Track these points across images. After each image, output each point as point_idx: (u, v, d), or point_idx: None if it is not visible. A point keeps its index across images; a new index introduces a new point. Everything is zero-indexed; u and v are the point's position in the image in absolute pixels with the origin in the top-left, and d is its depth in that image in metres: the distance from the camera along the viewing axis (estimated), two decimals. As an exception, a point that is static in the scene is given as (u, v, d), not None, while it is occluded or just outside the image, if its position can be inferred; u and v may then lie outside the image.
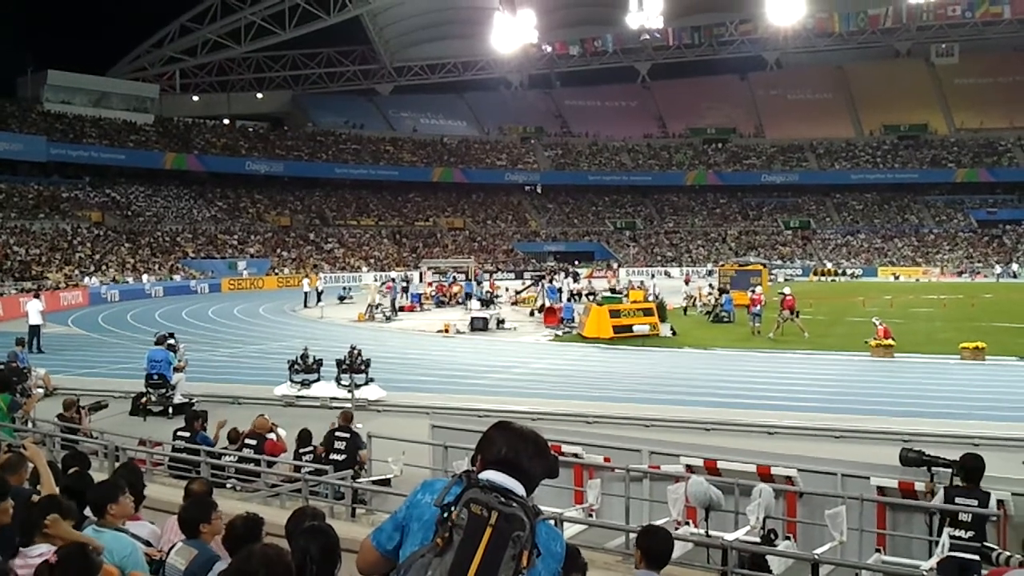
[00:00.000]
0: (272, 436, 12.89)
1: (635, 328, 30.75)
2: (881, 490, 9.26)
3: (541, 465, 2.94)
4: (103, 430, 14.04)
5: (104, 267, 56.26)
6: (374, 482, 11.71)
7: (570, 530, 9.14)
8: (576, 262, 75.03)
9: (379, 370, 20.30)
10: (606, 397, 20.15)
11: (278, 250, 71.01)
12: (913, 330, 31.88)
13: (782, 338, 30.16)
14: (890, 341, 26.05)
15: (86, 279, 51.92)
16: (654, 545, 5.05)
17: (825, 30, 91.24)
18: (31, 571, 4.65)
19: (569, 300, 40.72)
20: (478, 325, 34.49)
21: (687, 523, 9.45)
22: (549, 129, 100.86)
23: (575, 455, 11.09)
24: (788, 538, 9.26)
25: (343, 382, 19.27)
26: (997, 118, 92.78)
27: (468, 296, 44.79)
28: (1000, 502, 8.34)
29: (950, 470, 8.18)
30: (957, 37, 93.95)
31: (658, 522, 7.88)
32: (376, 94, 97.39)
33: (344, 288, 52.15)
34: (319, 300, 45.27)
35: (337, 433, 12.60)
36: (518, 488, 2.83)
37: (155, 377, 18.73)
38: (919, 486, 8.66)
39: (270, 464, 12.06)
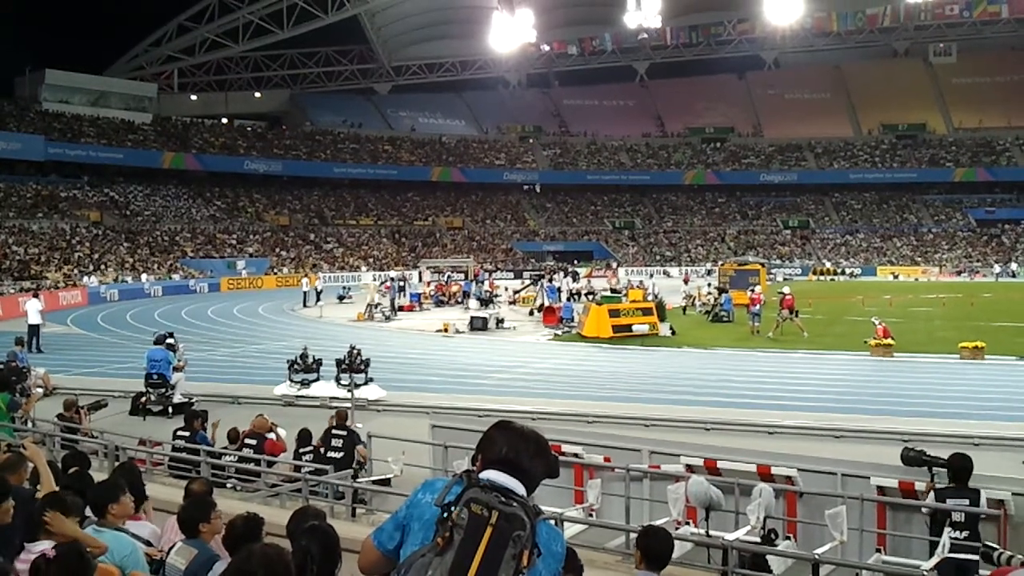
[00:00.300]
0: (272, 436, 12.89)
1: (634, 328, 30.78)
2: (881, 490, 9.25)
3: (542, 465, 2.93)
4: (103, 430, 14.03)
5: (103, 266, 56.23)
6: (374, 482, 11.71)
7: (570, 530, 9.13)
8: (575, 261, 75.00)
9: (379, 370, 20.28)
10: (606, 397, 20.16)
11: (277, 249, 71.01)
12: (912, 329, 31.90)
13: (781, 337, 30.17)
14: (889, 340, 26.06)
15: (85, 278, 51.89)
16: (654, 545, 5.04)
17: (823, 29, 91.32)
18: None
19: (568, 299, 40.70)
20: (477, 325, 34.49)
21: (687, 523, 9.44)
22: (547, 128, 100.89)
23: (575, 455, 11.08)
24: (788, 538, 9.26)
25: (343, 382, 19.24)
26: (995, 117, 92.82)
27: (467, 295, 44.80)
28: (1000, 502, 8.34)
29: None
30: (955, 36, 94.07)
31: (658, 522, 7.89)
32: (374, 93, 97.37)
33: (343, 288, 52.16)
34: (318, 300, 45.28)
35: (334, 431, 12.63)
36: (519, 488, 2.83)
37: (155, 377, 18.73)
38: (919, 486, 8.65)
39: (270, 464, 12.05)
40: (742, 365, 25.59)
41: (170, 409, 18.36)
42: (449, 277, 52.84)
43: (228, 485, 11.60)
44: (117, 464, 10.09)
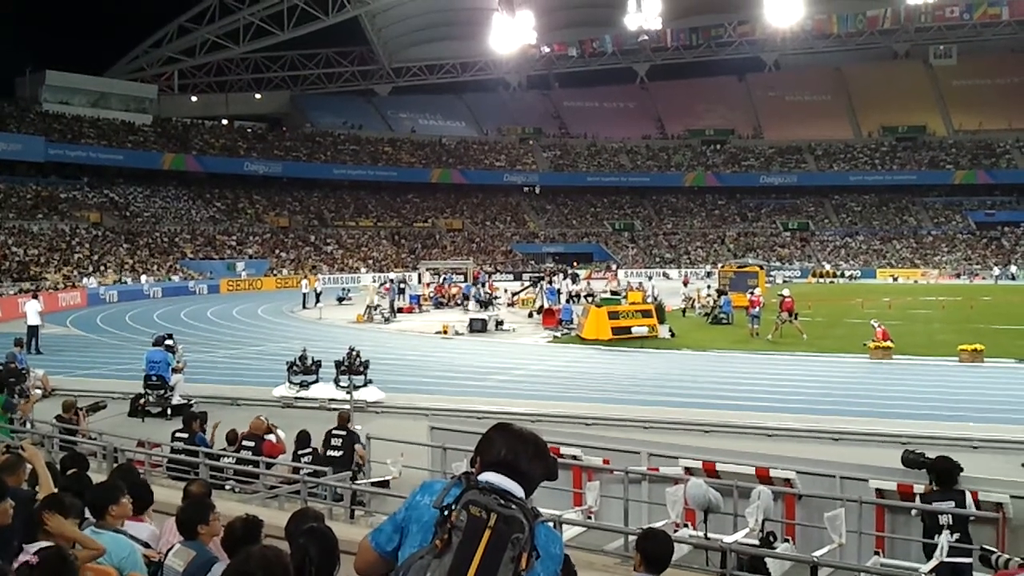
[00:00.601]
0: (272, 437, 12.90)
1: (634, 330, 30.77)
2: (880, 492, 9.25)
3: (540, 467, 2.93)
4: (101, 431, 14.03)
5: (102, 268, 56.23)
6: (373, 484, 11.71)
7: (569, 532, 9.13)
8: (575, 263, 74.99)
9: (378, 371, 20.29)
10: (605, 399, 20.15)
11: (277, 251, 71.01)
12: (912, 332, 31.90)
13: (781, 340, 30.18)
14: (888, 343, 26.08)
15: (84, 280, 51.88)
16: (654, 548, 5.05)
17: (823, 31, 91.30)
18: None
19: (568, 302, 40.69)
20: (477, 327, 34.48)
21: (686, 525, 9.44)
22: (547, 130, 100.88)
23: (574, 457, 11.08)
24: (787, 540, 9.26)
25: (342, 383, 19.27)
26: (995, 119, 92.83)
27: (467, 297, 44.80)
28: (999, 504, 8.34)
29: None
30: (955, 38, 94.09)
31: (657, 524, 7.89)
32: (374, 95, 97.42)
33: (343, 289, 52.14)
34: (317, 301, 45.25)
35: (334, 431, 12.67)
36: (517, 490, 2.82)
37: (153, 378, 18.73)
38: (918, 488, 8.66)
39: (269, 466, 12.06)
40: (741, 367, 25.59)
41: (169, 411, 18.36)
42: (445, 279, 52.80)
43: (227, 487, 11.61)
44: (116, 465, 10.09)
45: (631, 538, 7.97)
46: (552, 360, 27.55)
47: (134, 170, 72.75)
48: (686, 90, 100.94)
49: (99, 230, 62.71)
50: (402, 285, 47.77)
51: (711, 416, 17.66)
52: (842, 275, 76.71)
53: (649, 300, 36.64)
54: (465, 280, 51.10)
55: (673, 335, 31.72)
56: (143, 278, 56.17)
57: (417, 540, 2.81)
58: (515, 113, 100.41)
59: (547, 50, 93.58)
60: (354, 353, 19.56)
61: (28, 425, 15.12)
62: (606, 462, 11.02)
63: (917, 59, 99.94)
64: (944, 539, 7.51)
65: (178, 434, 13.21)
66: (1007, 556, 6.57)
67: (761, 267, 49.39)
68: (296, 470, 11.34)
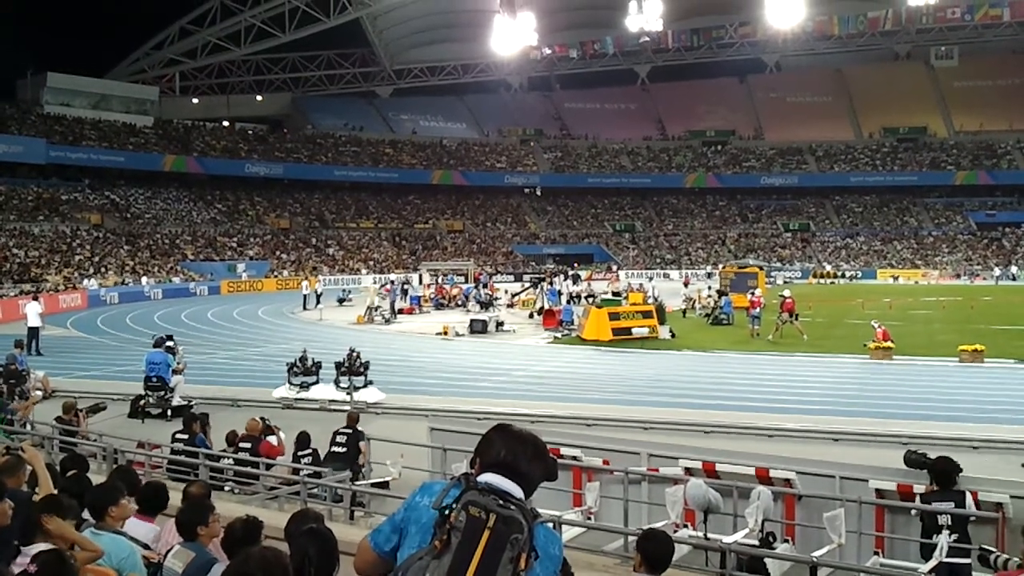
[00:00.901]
0: (272, 439, 12.91)
1: (634, 330, 30.76)
2: (880, 493, 9.25)
3: (540, 468, 2.94)
4: (101, 432, 14.03)
5: (103, 269, 56.25)
6: (373, 485, 11.72)
7: (569, 533, 9.14)
8: (575, 264, 74.99)
9: (378, 373, 20.31)
10: (605, 400, 20.15)
11: (277, 252, 71.00)
12: (912, 332, 31.90)
13: (781, 341, 30.17)
14: (889, 343, 26.08)
15: (85, 281, 51.88)
16: (654, 549, 5.05)
17: (824, 32, 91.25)
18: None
19: (568, 302, 40.69)
20: (477, 328, 34.47)
21: (686, 526, 9.45)
22: (548, 131, 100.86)
23: (574, 458, 11.09)
24: (787, 541, 9.27)
25: (342, 385, 19.29)
26: (996, 120, 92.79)
27: (467, 298, 44.82)
28: (999, 505, 8.35)
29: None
30: (956, 40, 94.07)
31: (657, 525, 7.89)
32: (376, 96, 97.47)
33: (343, 290, 52.11)
34: (318, 302, 45.22)
35: (341, 429, 12.73)
36: (516, 491, 2.83)
37: (154, 379, 18.73)
38: (918, 489, 8.66)
39: (268, 467, 12.07)
40: (741, 368, 25.58)
41: (169, 412, 18.36)
42: (445, 279, 52.84)
43: (226, 488, 11.62)
44: (115, 467, 10.10)
45: (631, 539, 7.98)
46: (552, 361, 27.55)
47: (135, 172, 72.73)
48: (687, 91, 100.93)
49: (100, 232, 62.74)
50: (405, 286, 47.81)
51: (711, 417, 17.66)
52: (843, 276, 76.73)
53: (649, 301, 36.64)
54: (466, 281, 51.13)
55: (673, 336, 31.72)
56: (144, 280, 56.19)
57: (416, 541, 2.82)
58: (516, 114, 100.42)
59: (548, 51, 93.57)
60: (354, 354, 19.58)
61: (28, 427, 15.14)
62: (606, 463, 11.02)
63: (918, 60, 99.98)
64: (943, 539, 7.51)
65: (178, 435, 13.23)
66: (1006, 556, 6.58)
67: (761, 268, 49.42)
68: (296, 471, 11.34)
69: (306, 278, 52.41)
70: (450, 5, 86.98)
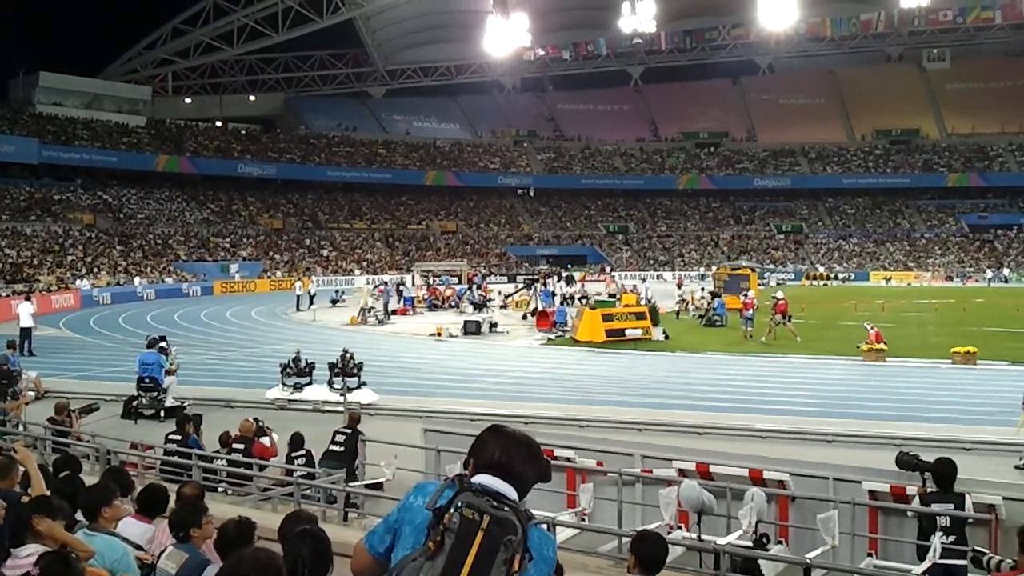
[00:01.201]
0: (265, 440, 12.89)
1: (627, 332, 30.76)
2: (873, 494, 9.27)
3: (534, 469, 2.93)
4: (94, 433, 14.01)
5: (96, 270, 56.13)
6: (366, 486, 11.70)
7: (563, 534, 9.14)
8: (568, 265, 74.99)
9: (371, 374, 20.30)
10: (599, 401, 20.16)
11: (270, 253, 70.92)
12: (905, 334, 31.96)
13: (774, 342, 30.21)
14: (882, 345, 26.12)
15: (78, 282, 51.78)
16: (648, 551, 5.04)
17: (817, 35, 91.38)
18: (21, 572, 4.66)
19: (562, 304, 40.68)
20: (471, 329, 34.46)
21: (679, 527, 9.45)
22: (542, 132, 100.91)
23: (568, 459, 11.09)
24: (780, 542, 9.27)
25: (335, 386, 19.27)
26: (988, 123, 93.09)
27: (461, 299, 44.79)
28: (991, 506, 8.36)
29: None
30: (949, 42, 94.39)
31: (651, 526, 7.89)
32: (369, 97, 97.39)
33: (336, 291, 52.04)
34: (311, 303, 45.19)
35: (340, 429, 12.73)
36: (510, 492, 2.82)
37: (147, 380, 18.70)
38: (911, 490, 8.67)
39: (262, 468, 12.05)
40: (735, 370, 25.61)
41: (162, 413, 18.32)
42: (437, 280, 52.82)
43: (220, 489, 11.60)
44: (107, 467, 10.07)
45: (625, 540, 7.98)
46: (546, 362, 27.55)
47: (128, 172, 72.62)
48: (680, 93, 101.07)
49: (92, 232, 62.61)
50: (401, 287, 47.77)
51: (704, 418, 17.66)
52: (835, 277, 76.86)
53: (643, 302, 36.65)
54: (460, 282, 51.10)
55: (667, 337, 31.73)
56: (136, 280, 56.10)
57: (410, 542, 2.80)
58: (509, 115, 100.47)
59: (541, 53, 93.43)
60: (348, 355, 19.56)
61: (20, 427, 15.10)
62: (600, 464, 11.03)
63: (910, 62, 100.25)
64: (937, 540, 7.52)
65: (171, 436, 13.20)
66: (999, 558, 6.58)
67: (753, 269, 49.46)
68: (289, 472, 11.33)
69: (299, 279, 52.33)
70: (443, 6, 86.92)
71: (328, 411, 18.53)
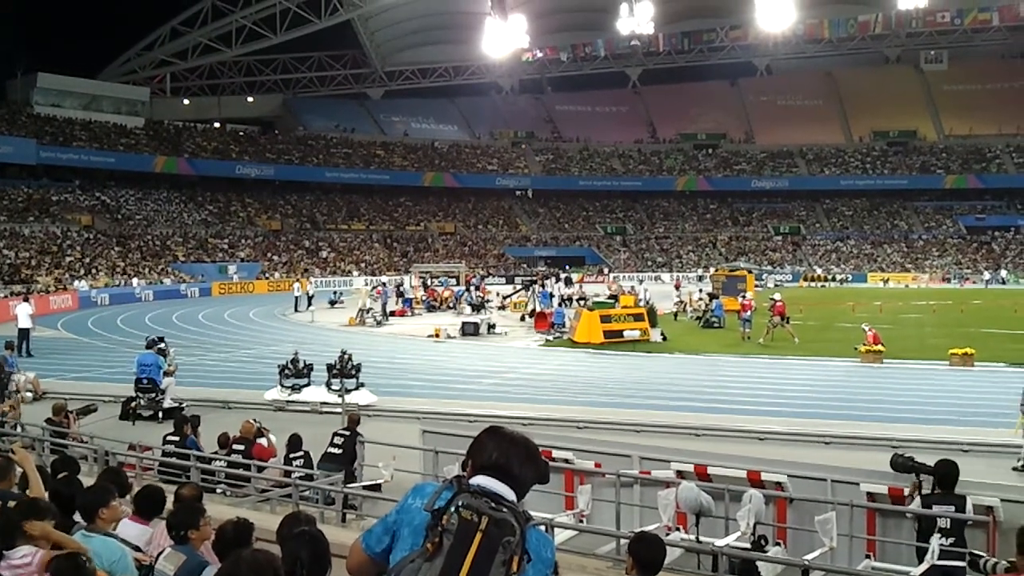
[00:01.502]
0: (263, 441, 12.89)
1: (625, 333, 30.76)
2: (871, 496, 9.27)
3: (532, 470, 2.93)
4: (92, 434, 14.00)
5: (94, 271, 56.09)
6: (365, 487, 11.70)
7: (561, 536, 9.14)
8: (567, 267, 75.00)
9: (369, 375, 20.30)
10: (596, 402, 20.16)
11: (268, 254, 70.88)
12: (902, 336, 31.97)
13: (772, 344, 30.20)
14: (879, 347, 26.13)
15: (76, 283, 51.74)
16: (646, 552, 5.04)
17: (815, 36, 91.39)
18: (14, 574, 4.66)
19: (560, 305, 40.66)
20: (469, 330, 34.44)
21: (678, 529, 9.45)
22: (540, 134, 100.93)
23: (566, 460, 11.09)
24: (778, 544, 9.27)
25: (333, 387, 19.26)
26: (986, 125, 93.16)
27: (458, 300, 44.77)
28: (989, 508, 8.37)
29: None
30: (946, 44, 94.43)
31: (649, 528, 7.90)
32: (367, 98, 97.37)
33: (335, 292, 52.02)
34: (309, 304, 45.18)
35: (339, 430, 12.71)
36: (509, 493, 2.83)
37: (145, 381, 18.69)
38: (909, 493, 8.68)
39: (260, 469, 12.04)
40: (733, 371, 25.61)
41: (160, 414, 18.31)
42: (435, 281, 52.80)
43: (218, 490, 11.60)
44: (104, 468, 10.07)
45: (623, 542, 7.98)
46: (544, 364, 27.55)
47: (126, 173, 72.56)
48: (678, 94, 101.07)
49: (90, 233, 62.55)
50: (401, 288, 47.75)
51: (702, 420, 17.66)
52: (833, 279, 76.88)
53: (641, 304, 36.66)
54: (457, 284, 51.09)
55: (665, 339, 31.73)
56: (135, 281, 56.07)
57: (408, 543, 2.81)
58: (507, 117, 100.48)
59: (539, 54, 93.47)
60: (346, 356, 19.55)
61: (18, 428, 15.09)
62: (598, 466, 11.02)
63: (908, 64, 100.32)
64: (935, 542, 7.52)
65: (169, 437, 13.20)
66: (995, 560, 6.59)
67: (750, 271, 49.48)
68: (287, 473, 11.33)
69: (297, 280, 52.32)
70: (441, 7, 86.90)
71: (326, 412, 18.53)
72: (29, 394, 19.49)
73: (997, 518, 8.38)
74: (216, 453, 12.78)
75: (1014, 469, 13.86)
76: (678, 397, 21.15)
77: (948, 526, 7.69)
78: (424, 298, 47.38)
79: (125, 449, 12.89)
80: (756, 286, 49.16)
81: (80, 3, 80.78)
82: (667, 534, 8.80)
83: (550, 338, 33.25)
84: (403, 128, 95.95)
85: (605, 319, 31.25)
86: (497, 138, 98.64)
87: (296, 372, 19.76)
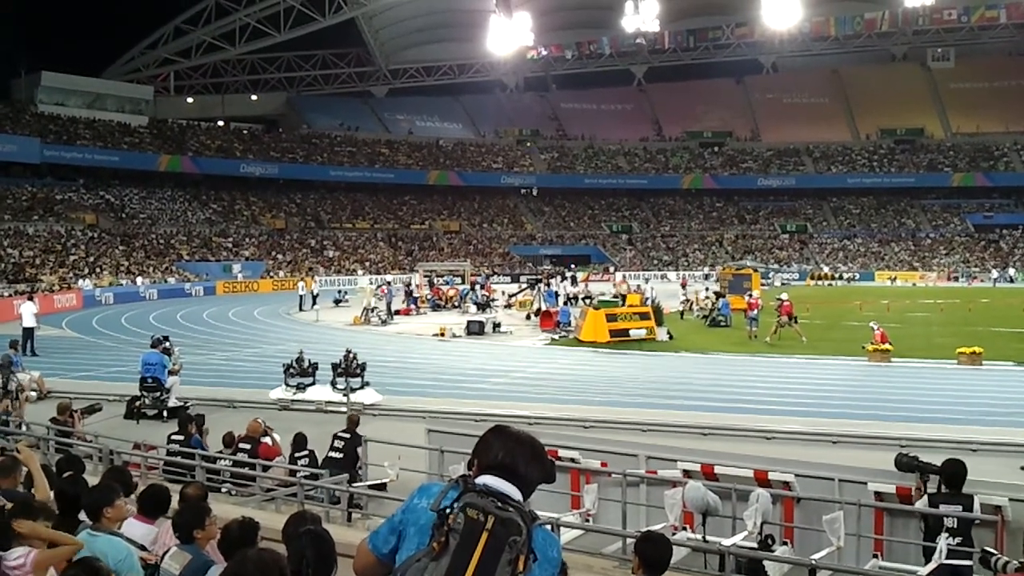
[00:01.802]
0: (267, 440, 12.88)
1: (631, 332, 30.72)
2: (878, 495, 9.23)
3: (538, 470, 2.91)
4: (97, 433, 13.99)
5: (98, 270, 56.17)
6: (370, 486, 11.68)
7: (567, 535, 9.12)
8: (572, 265, 74.98)
9: (375, 374, 20.28)
10: (603, 401, 20.13)
11: (273, 253, 70.95)
12: (910, 335, 31.89)
13: (779, 342, 30.16)
14: (887, 346, 26.06)
15: (80, 282, 51.83)
16: (653, 552, 5.02)
17: (821, 34, 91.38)
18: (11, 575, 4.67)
19: (566, 304, 40.63)
20: (474, 329, 34.39)
21: (684, 528, 9.43)
22: (545, 132, 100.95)
23: (572, 460, 11.06)
24: (785, 543, 9.24)
25: (338, 386, 19.26)
26: (993, 122, 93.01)
27: (463, 299, 44.75)
28: (998, 507, 8.32)
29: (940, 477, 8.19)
30: (953, 41, 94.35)
31: (655, 527, 7.86)
32: (371, 96, 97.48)
33: (339, 291, 52.07)
34: (314, 303, 45.18)
35: (339, 433, 12.68)
36: (515, 493, 2.81)
37: (149, 380, 18.69)
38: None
39: (265, 468, 12.03)
40: (739, 370, 25.57)
41: (165, 413, 18.31)
42: (440, 280, 52.82)
43: (223, 489, 11.59)
44: (109, 467, 10.07)
45: (629, 541, 7.95)
46: (550, 362, 27.51)
47: (130, 171, 72.68)
48: (684, 92, 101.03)
49: (95, 232, 62.67)
50: (410, 287, 47.75)
51: (709, 419, 17.61)
52: (840, 277, 76.81)
53: (647, 302, 36.59)
54: (462, 283, 51.08)
55: (671, 337, 31.68)
56: (139, 280, 56.15)
57: (414, 543, 2.79)
58: (512, 115, 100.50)
59: (544, 52, 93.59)
60: (351, 355, 19.55)
61: (23, 427, 15.11)
62: (604, 465, 11.00)
63: (915, 62, 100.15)
64: (943, 541, 7.48)
65: (174, 436, 13.19)
66: (1006, 559, 6.55)
67: (756, 270, 49.43)
68: (293, 472, 11.31)
69: (302, 279, 52.33)
70: (446, 5, 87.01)
71: (331, 411, 18.51)
72: (34, 393, 19.52)
73: (1006, 518, 8.34)
74: (221, 452, 12.77)
75: (1022, 468, 13.79)
76: (684, 396, 21.11)
77: (955, 526, 7.65)
78: (429, 297, 47.37)
79: (130, 448, 12.89)
80: (762, 284, 49.15)
81: (84, 2, 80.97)
82: (673, 533, 8.77)
83: (555, 337, 33.19)
84: (407, 126, 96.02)
85: (611, 318, 31.17)
86: (502, 136, 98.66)
87: (301, 371, 19.73)
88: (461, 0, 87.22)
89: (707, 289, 46.38)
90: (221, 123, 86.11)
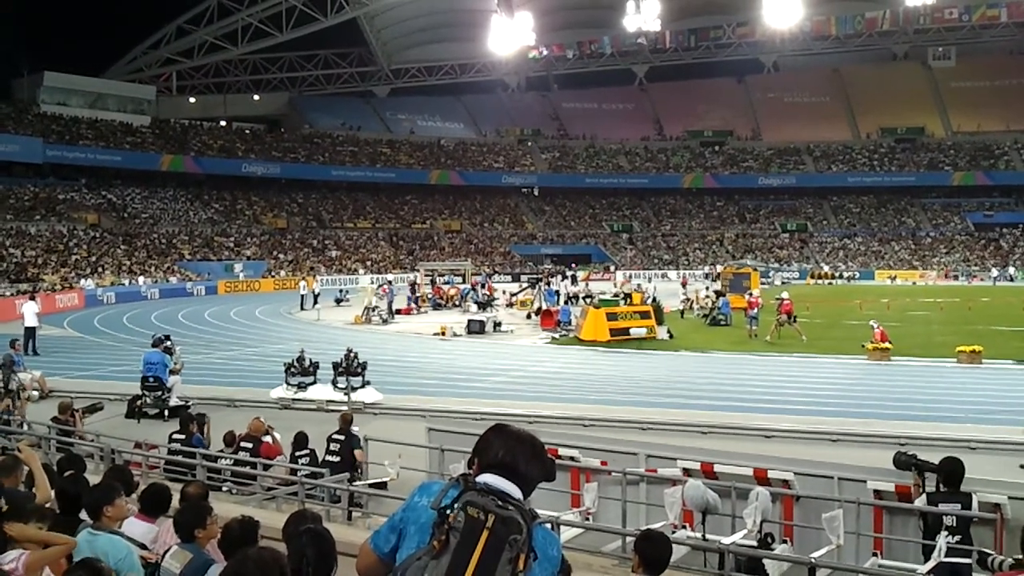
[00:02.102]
0: (268, 439, 12.88)
1: (632, 331, 30.72)
2: (878, 493, 9.25)
3: (538, 468, 2.93)
4: (98, 432, 14.01)
5: (100, 269, 56.19)
6: (370, 485, 11.70)
7: (567, 533, 9.13)
8: (573, 264, 74.98)
9: (375, 373, 20.28)
10: (603, 400, 20.13)
11: (275, 252, 70.93)
12: (910, 333, 31.88)
13: (779, 341, 30.16)
14: (887, 344, 26.07)
15: (82, 281, 51.84)
16: (653, 551, 5.03)
17: (822, 33, 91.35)
18: None
19: (566, 303, 40.63)
20: (475, 328, 34.40)
21: (684, 526, 9.44)
22: (546, 131, 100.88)
23: (572, 458, 11.07)
24: (785, 542, 9.26)
25: (339, 385, 19.27)
26: (994, 121, 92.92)
27: (464, 298, 44.75)
28: (997, 506, 8.34)
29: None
30: (954, 40, 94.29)
31: (655, 526, 7.88)
32: (373, 96, 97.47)
33: (341, 291, 52.07)
34: (315, 303, 45.17)
35: (333, 435, 12.62)
36: (515, 491, 2.83)
37: (151, 379, 18.69)
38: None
39: (266, 467, 12.04)
40: (739, 369, 25.57)
41: (166, 412, 18.33)
42: (442, 279, 52.82)
43: (224, 488, 11.60)
44: (110, 466, 10.08)
45: (629, 539, 7.96)
46: (550, 361, 27.52)
47: (132, 171, 72.69)
48: (685, 91, 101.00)
49: (97, 231, 62.68)
50: (415, 286, 47.73)
51: (709, 417, 17.62)
52: (840, 276, 76.77)
53: (647, 301, 36.60)
54: (463, 282, 51.08)
55: (671, 336, 31.67)
56: (141, 279, 56.16)
57: (415, 541, 2.81)
58: (513, 114, 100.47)
59: (545, 51, 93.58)
60: (352, 354, 19.56)
61: (24, 426, 15.12)
62: (604, 463, 11.01)
63: (916, 60, 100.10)
64: (942, 539, 7.50)
65: (175, 435, 13.20)
66: (1002, 557, 6.57)
67: (755, 269, 49.43)
68: (294, 471, 11.32)
69: (303, 278, 52.33)
70: (447, 5, 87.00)
71: (332, 410, 18.46)
72: (35, 392, 19.54)
73: (1005, 516, 8.35)
74: (222, 451, 12.78)
75: (1022, 466, 13.80)
76: (684, 395, 21.13)
77: (955, 524, 7.66)
78: (430, 296, 47.37)
79: (131, 447, 12.91)
80: (762, 283, 49.13)
81: (86, 2, 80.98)
82: (673, 532, 8.79)
83: (556, 336, 33.20)
84: (409, 126, 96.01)
85: (611, 317, 31.18)
86: (503, 136, 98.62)
87: (302, 370, 19.74)
88: (463, 0, 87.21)
89: (707, 288, 46.34)
90: (223, 123, 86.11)
